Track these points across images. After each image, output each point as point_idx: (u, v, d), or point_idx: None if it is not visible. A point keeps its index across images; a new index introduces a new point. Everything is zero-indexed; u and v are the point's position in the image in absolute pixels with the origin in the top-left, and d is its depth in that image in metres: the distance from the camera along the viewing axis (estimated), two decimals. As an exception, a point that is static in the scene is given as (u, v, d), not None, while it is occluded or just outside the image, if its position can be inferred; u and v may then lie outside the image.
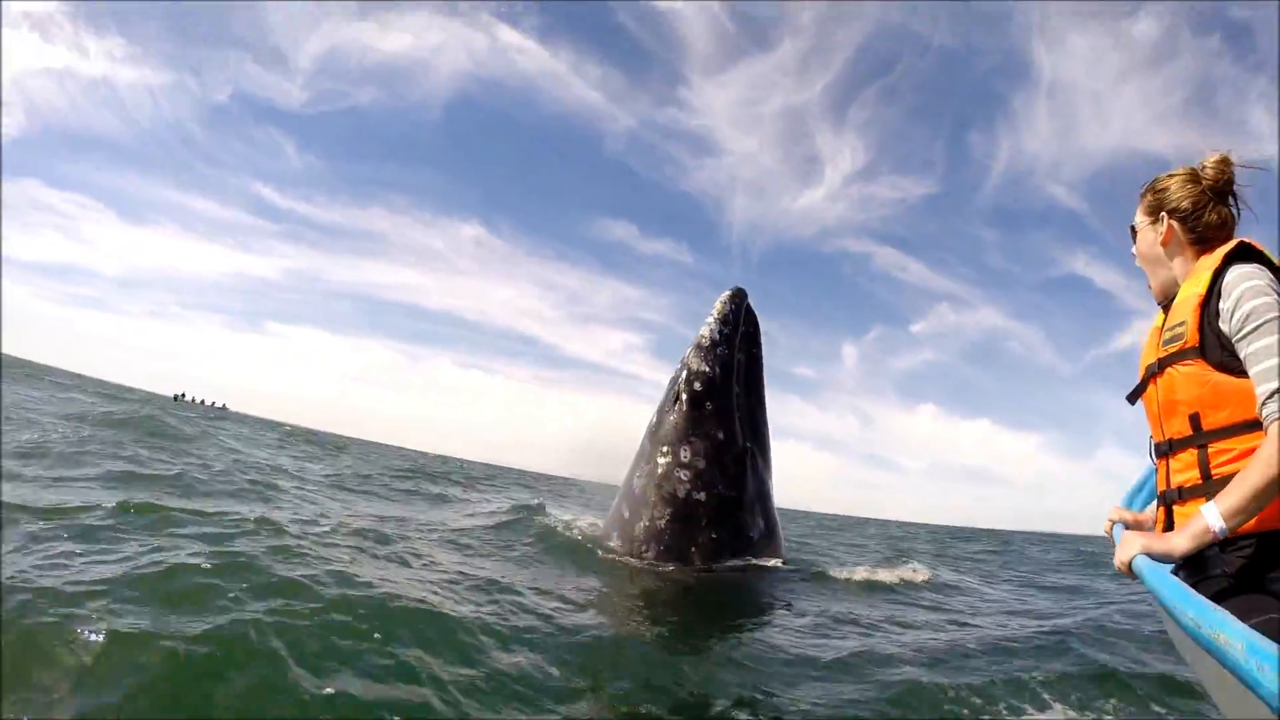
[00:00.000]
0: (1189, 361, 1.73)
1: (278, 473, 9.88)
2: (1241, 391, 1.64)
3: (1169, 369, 1.78)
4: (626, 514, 5.76)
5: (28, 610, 2.78)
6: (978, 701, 3.27)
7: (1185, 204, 1.88)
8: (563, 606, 4.11)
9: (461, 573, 4.54)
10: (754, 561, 5.58)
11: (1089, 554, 17.18)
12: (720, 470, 5.54)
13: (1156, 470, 1.90)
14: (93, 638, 2.62)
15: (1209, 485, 1.70)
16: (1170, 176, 1.94)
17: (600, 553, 5.81)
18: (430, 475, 16.41)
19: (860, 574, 6.92)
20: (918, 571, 7.77)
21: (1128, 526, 2.06)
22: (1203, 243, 1.87)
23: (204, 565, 3.53)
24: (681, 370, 5.87)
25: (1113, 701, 3.53)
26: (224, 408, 64.31)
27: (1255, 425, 1.60)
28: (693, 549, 5.42)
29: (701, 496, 5.46)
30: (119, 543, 3.93)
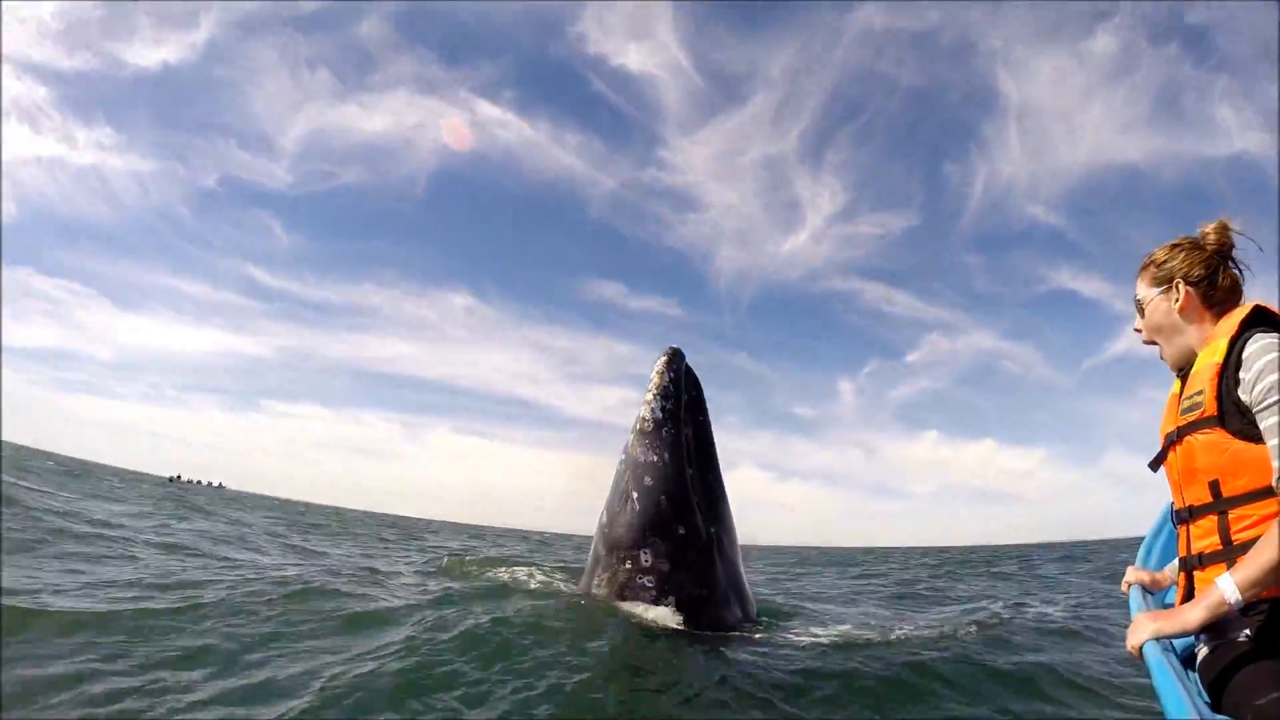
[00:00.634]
0: (1208, 430, 1.74)
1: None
2: (1260, 459, 1.65)
3: (1188, 437, 1.79)
4: None
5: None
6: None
7: (1198, 270, 1.89)
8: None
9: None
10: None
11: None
12: (686, 570, 4.98)
13: (1178, 535, 1.91)
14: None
15: (1229, 551, 1.72)
16: (1172, 248, 1.96)
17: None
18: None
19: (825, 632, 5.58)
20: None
21: (1145, 587, 2.09)
22: (1216, 306, 1.89)
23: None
24: (627, 464, 5.30)
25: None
26: (220, 486, 63.90)
27: (1274, 492, 1.62)
28: None
29: (670, 603, 4.92)
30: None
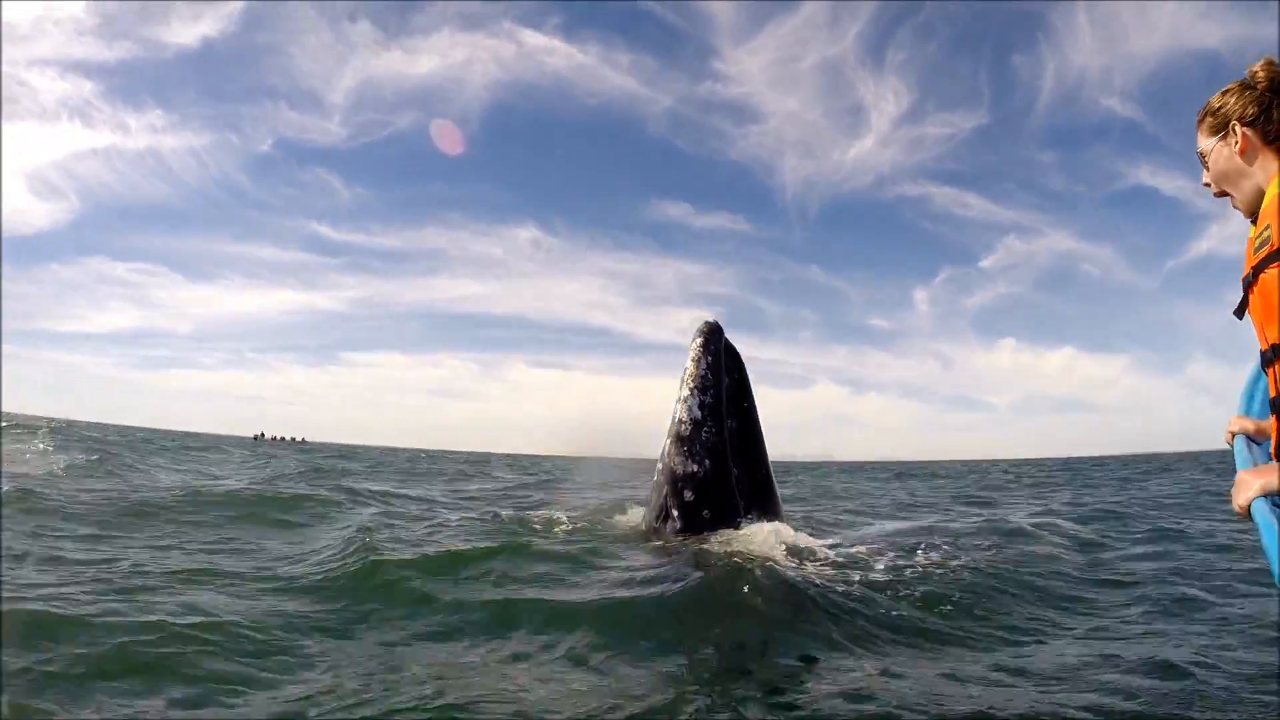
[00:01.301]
0: (1277, 264, 1.70)
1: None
2: None
3: (1262, 275, 1.75)
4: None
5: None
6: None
7: (1251, 110, 1.88)
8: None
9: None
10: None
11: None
12: None
13: (1267, 379, 1.85)
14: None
15: None
16: (1224, 94, 1.94)
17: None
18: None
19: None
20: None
21: (1251, 436, 2.02)
22: (1276, 141, 1.87)
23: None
24: (664, 475, 5.00)
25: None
26: (304, 441, 66.96)
27: None
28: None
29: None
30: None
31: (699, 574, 4.05)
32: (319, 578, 4.24)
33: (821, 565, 4.46)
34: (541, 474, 20.39)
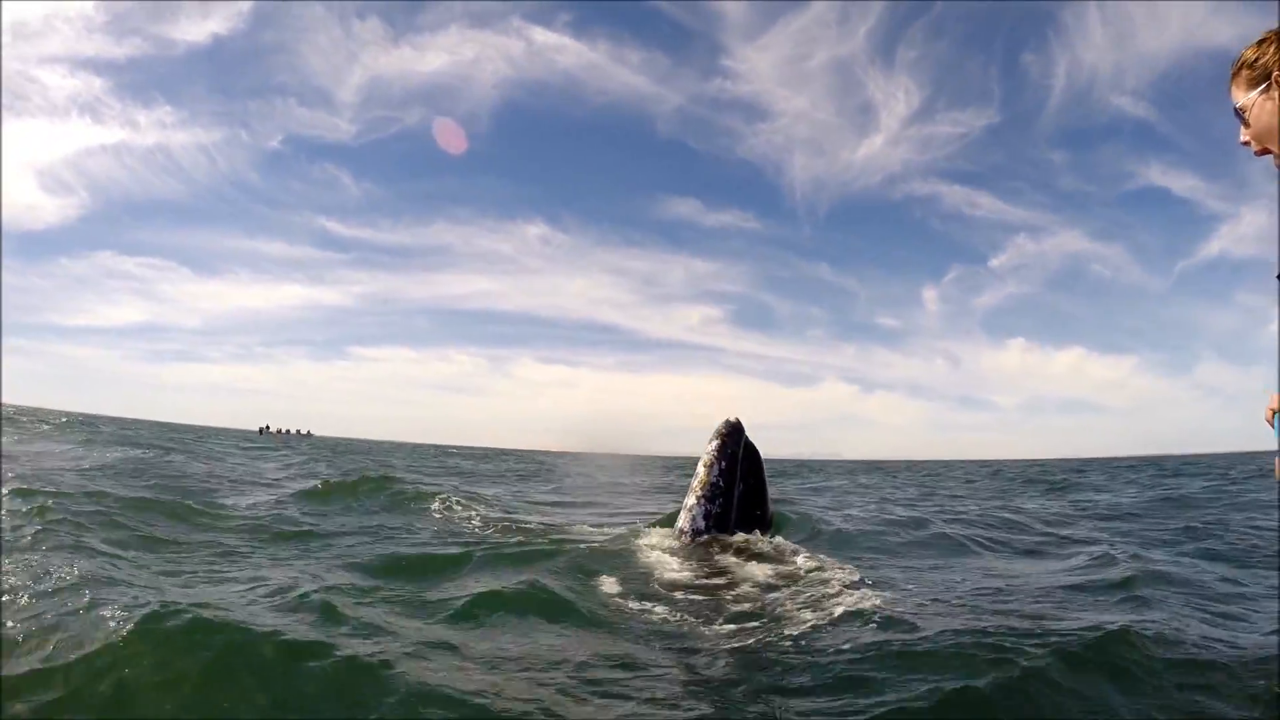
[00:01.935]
0: None
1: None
2: None
3: None
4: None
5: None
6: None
7: None
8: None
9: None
10: None
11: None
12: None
13: None
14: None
15: None
16: (1260, 44, 1.78)
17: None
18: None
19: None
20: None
21: None
22: None
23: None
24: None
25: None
26: (309, 434, 67.19)
27: None
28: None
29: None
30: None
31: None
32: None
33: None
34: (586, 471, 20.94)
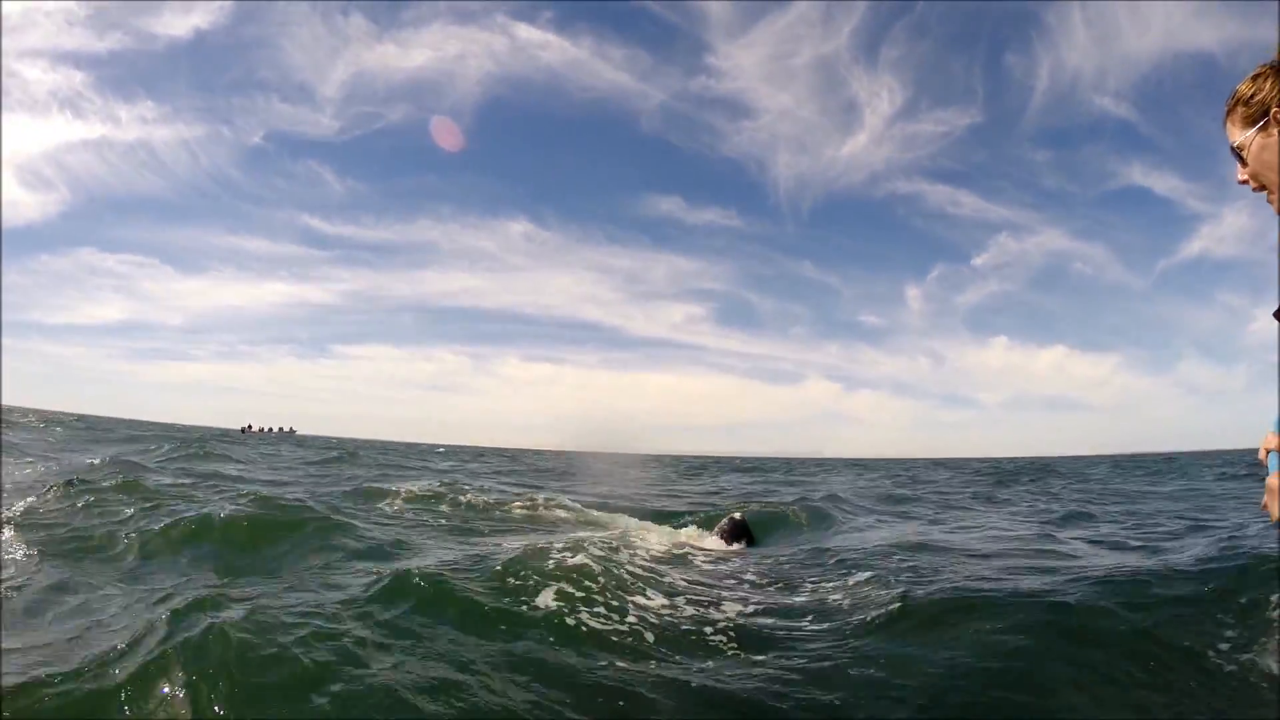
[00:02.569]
0: None
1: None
2: None
3: None
4: None
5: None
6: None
7: None
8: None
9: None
10: None
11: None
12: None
13: None
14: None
15: None
16: (1254, 79, 1.69)
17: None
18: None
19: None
20: None
21: None
22: None
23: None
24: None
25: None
26: (291, 431, 66.82)
27: None
28: None
29: None
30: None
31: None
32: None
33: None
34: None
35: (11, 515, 6.97)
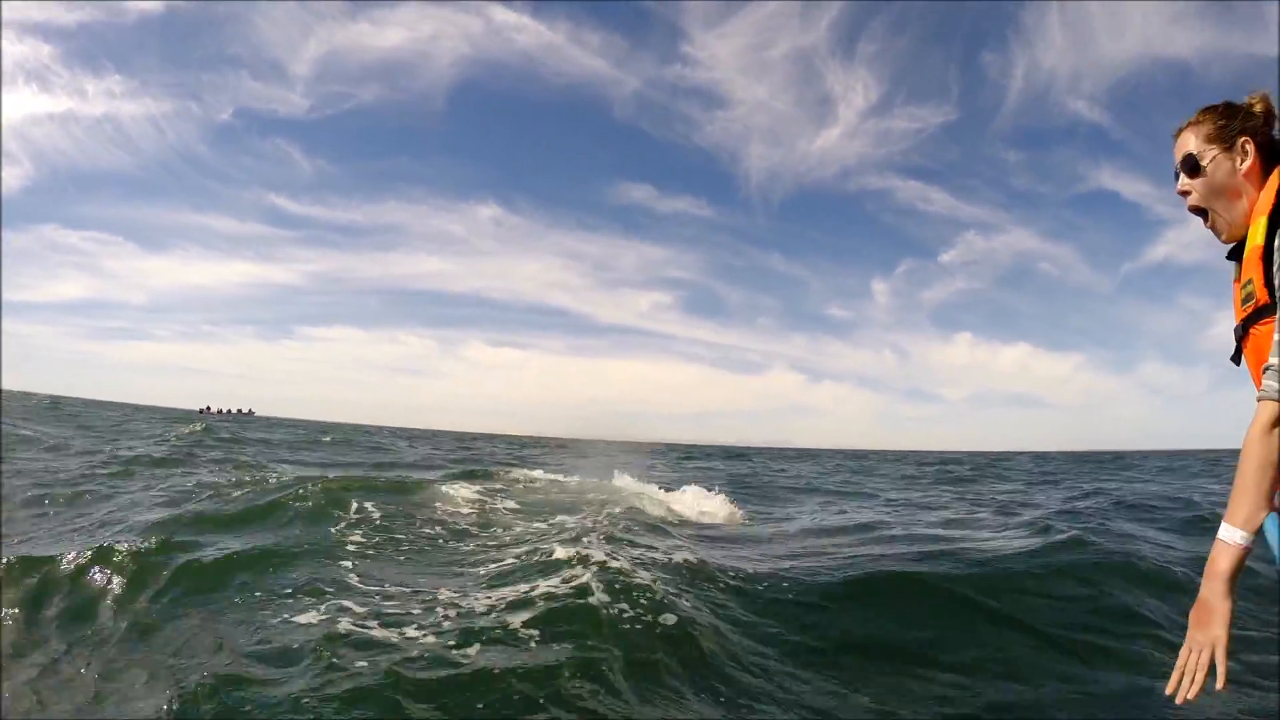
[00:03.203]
0: (1266, 320, 1.57)
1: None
2: None
3: (1252, 329, 1.62)
4: None
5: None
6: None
7: (1264, 132, 1.69)
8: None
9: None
10: None
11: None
12: None
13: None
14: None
15: None
16: (1228, 107, 1.73)
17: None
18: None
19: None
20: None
21: None
22: (1267, 175, 1.67)
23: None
24: None
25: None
26: (250, 413, 65.77)
27: None
28: None
29: None
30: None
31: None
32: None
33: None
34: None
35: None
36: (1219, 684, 1.46)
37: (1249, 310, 1.60)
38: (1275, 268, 1.52)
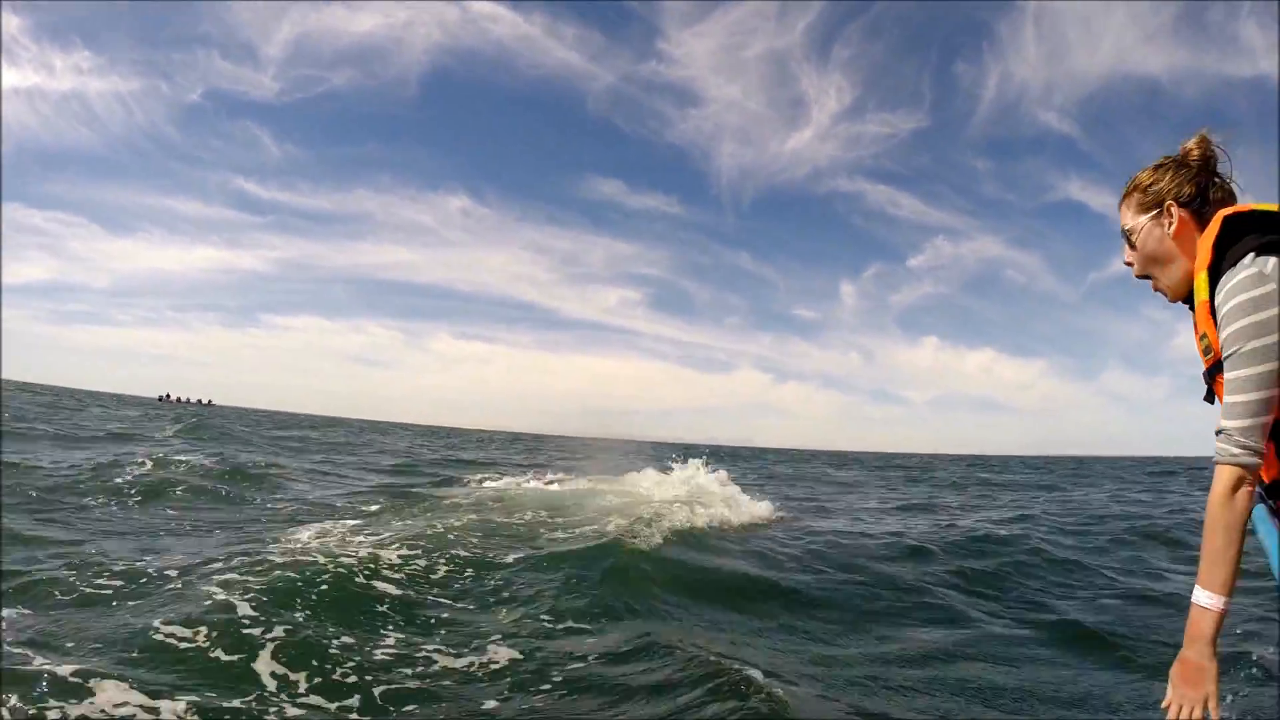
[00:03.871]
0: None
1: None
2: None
3: (1216, 378, 1.61)
4: None
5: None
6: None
7: (1188, 189, 1.72)
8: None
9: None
10: None
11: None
12: None
13: None
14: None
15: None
16: (1156, 168, 1.77)
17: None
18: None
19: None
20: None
21: None
22: (1206, 225, 1.67)
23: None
24: None
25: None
26: (209, 403, 64.49)
27: None
28: None
29: None
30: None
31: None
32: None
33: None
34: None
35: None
36: None
37: (1209, 361, 1.61)
38: (1219, 329, 1.53)
